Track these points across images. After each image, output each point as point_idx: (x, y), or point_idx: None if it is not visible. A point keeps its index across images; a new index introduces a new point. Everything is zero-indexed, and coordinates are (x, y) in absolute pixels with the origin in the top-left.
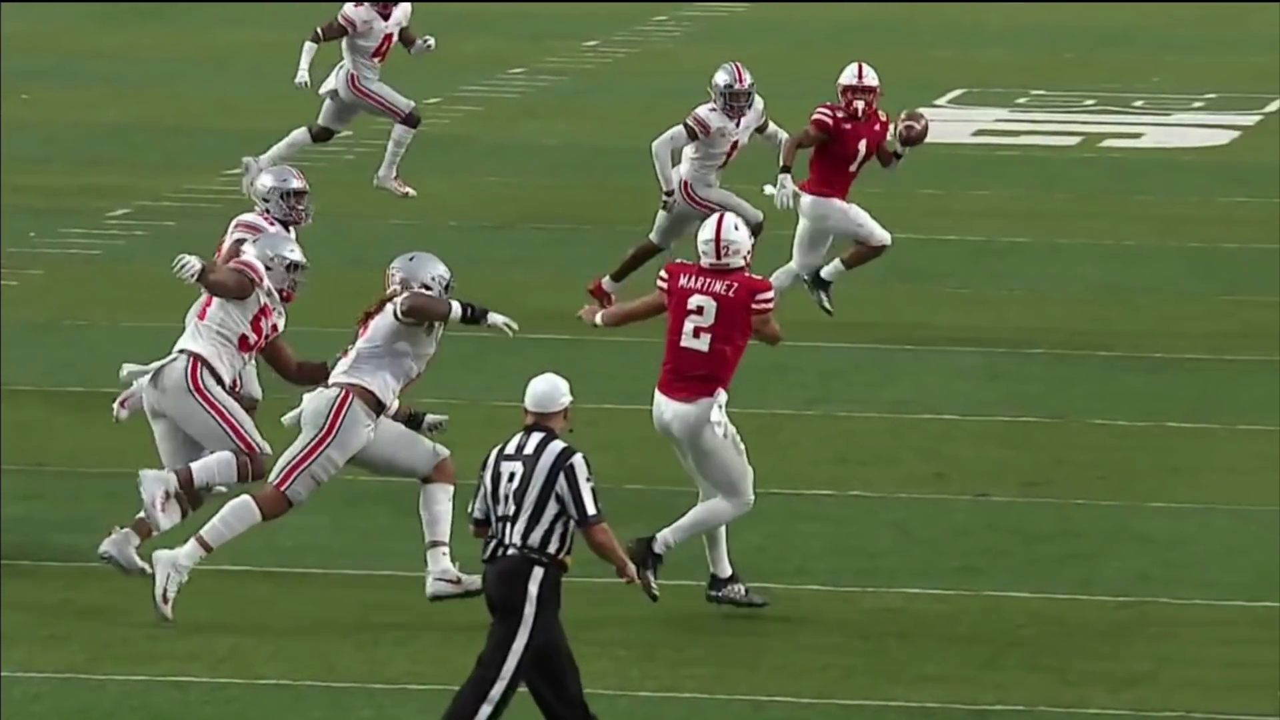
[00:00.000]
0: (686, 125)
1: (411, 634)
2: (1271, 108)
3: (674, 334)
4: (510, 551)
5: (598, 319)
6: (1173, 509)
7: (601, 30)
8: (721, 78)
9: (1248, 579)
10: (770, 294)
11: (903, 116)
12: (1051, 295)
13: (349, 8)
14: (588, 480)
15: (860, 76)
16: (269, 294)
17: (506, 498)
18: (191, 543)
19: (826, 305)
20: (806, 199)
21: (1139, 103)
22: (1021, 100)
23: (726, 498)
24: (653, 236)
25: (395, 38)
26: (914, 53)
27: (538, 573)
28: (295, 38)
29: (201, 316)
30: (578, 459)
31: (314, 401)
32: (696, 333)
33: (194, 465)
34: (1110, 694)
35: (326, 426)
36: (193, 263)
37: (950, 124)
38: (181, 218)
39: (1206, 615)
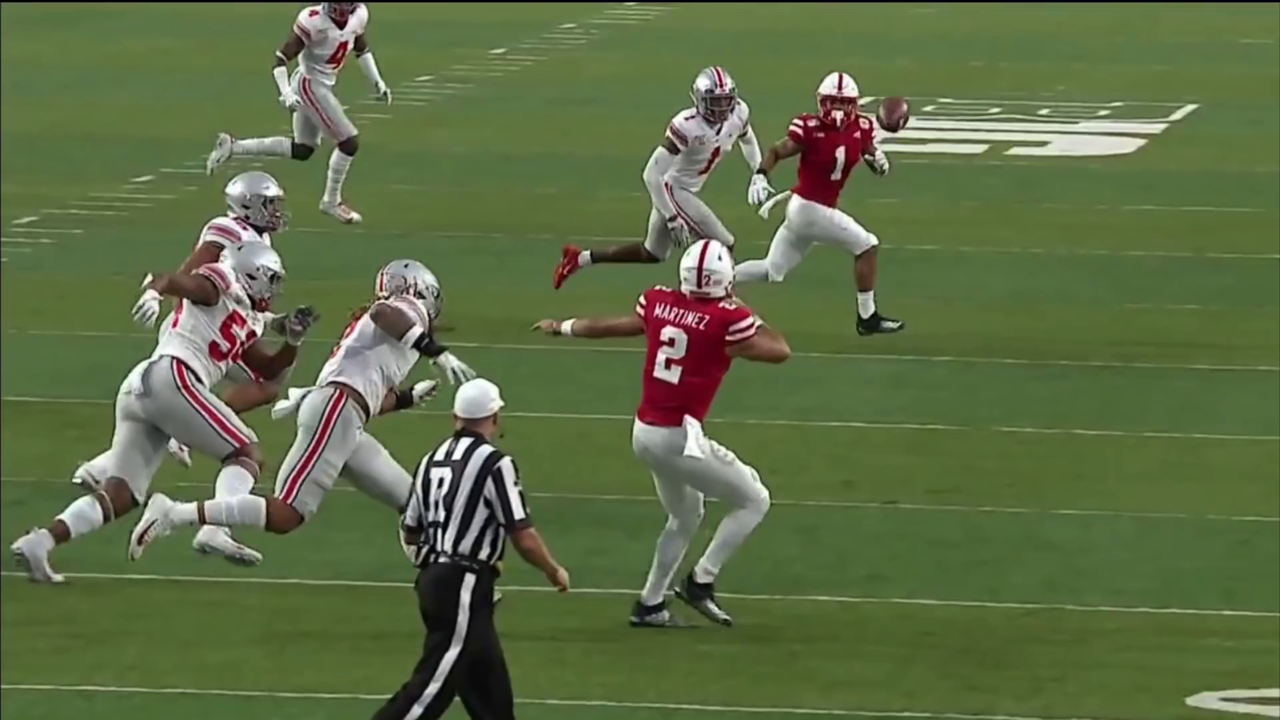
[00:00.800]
0: (666, 140)
1: (319, 642)
2: (1177, 115)
3: (649, 363)
4: (442, 559)
5: (564, 327)
6: (1079, 516)
7: (508, 38)
8: (703, 83)
9: (1153, 586)
10: (745, 323)
11: (882, 101)
12: (959, 303)
13: (303, 17)
14: (515, 484)
15: (840, 87)
16: (238, 300)
17: (436, 504)
18: (192, 505)
19: (894, 327)
20: (794, 203)
21: (1045, 111)
22: (928, 108)
23: (740, 505)
24: (648, 245)
25: (351, 44)
26: (821, 60)
27: (470, 580)
28: (201, 45)
29: (174, 325)
30: (505, 462)
31: (310, 399)
32: (668, 364)
33: (225, 499)
34: (1017, 701)
35: (320, 428)
36: (150, 306)
37: None
38: (89, 226)
39: (1113, 622)
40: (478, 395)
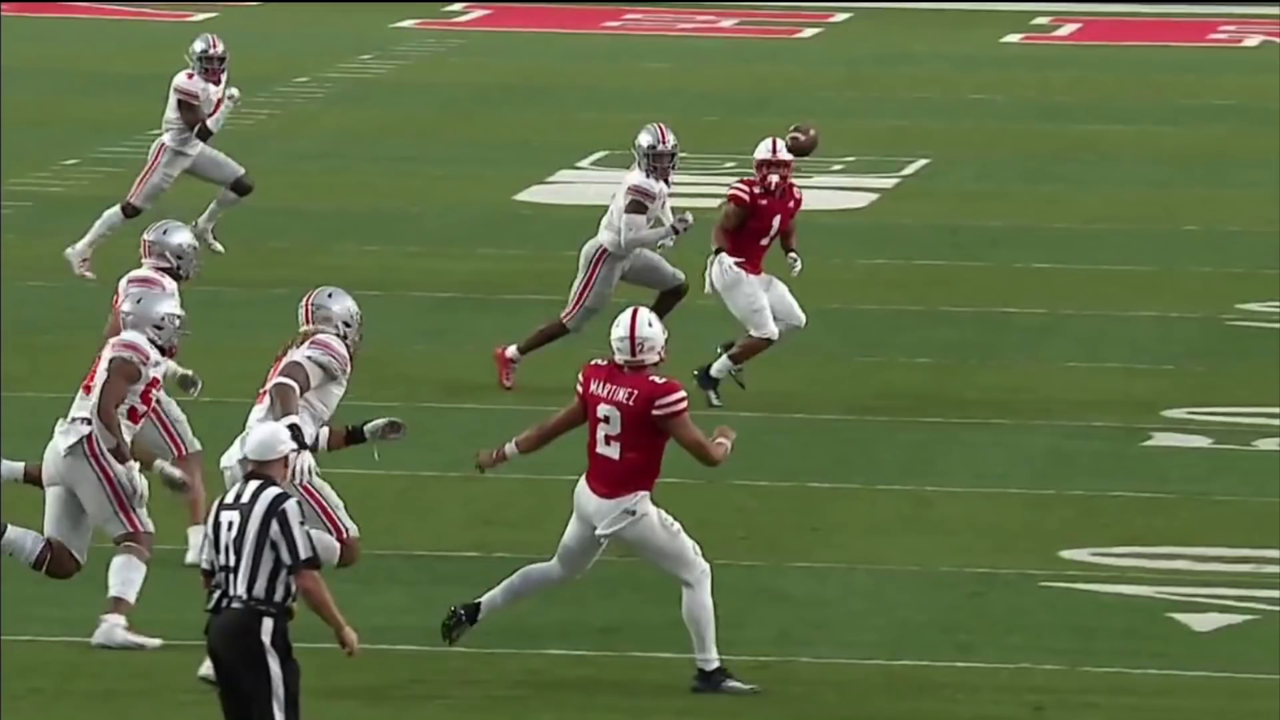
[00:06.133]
0: (632, 202)
1: (50, 699)
2: (909, 170)
3: (591, 437)
4: (235, 605)
5: (508, 450)
6: (814, 569)
7: (241, 91)
8: (645, 139)
9: (888, 638)
10: (673, 398)
11: (790, 129)
12: (693, 356)
13: (183, 83)
14: (301, 524)
15: (774, 151)
16: (155, 365)
17: (227, 547)
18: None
19: (717, 403)
20: (722, 262)
21: None
22: None
23: (682, 579)
24: (656, 288)
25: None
26: (557, 115)
27: (268, 624)
28: None
29: (88, 390)
30: (291, 504)
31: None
32: (608, 440)
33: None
34: None
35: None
36: (142, 489)
37: (593, 186)
38: None
39: (847, 675)
40: (268, 438)
